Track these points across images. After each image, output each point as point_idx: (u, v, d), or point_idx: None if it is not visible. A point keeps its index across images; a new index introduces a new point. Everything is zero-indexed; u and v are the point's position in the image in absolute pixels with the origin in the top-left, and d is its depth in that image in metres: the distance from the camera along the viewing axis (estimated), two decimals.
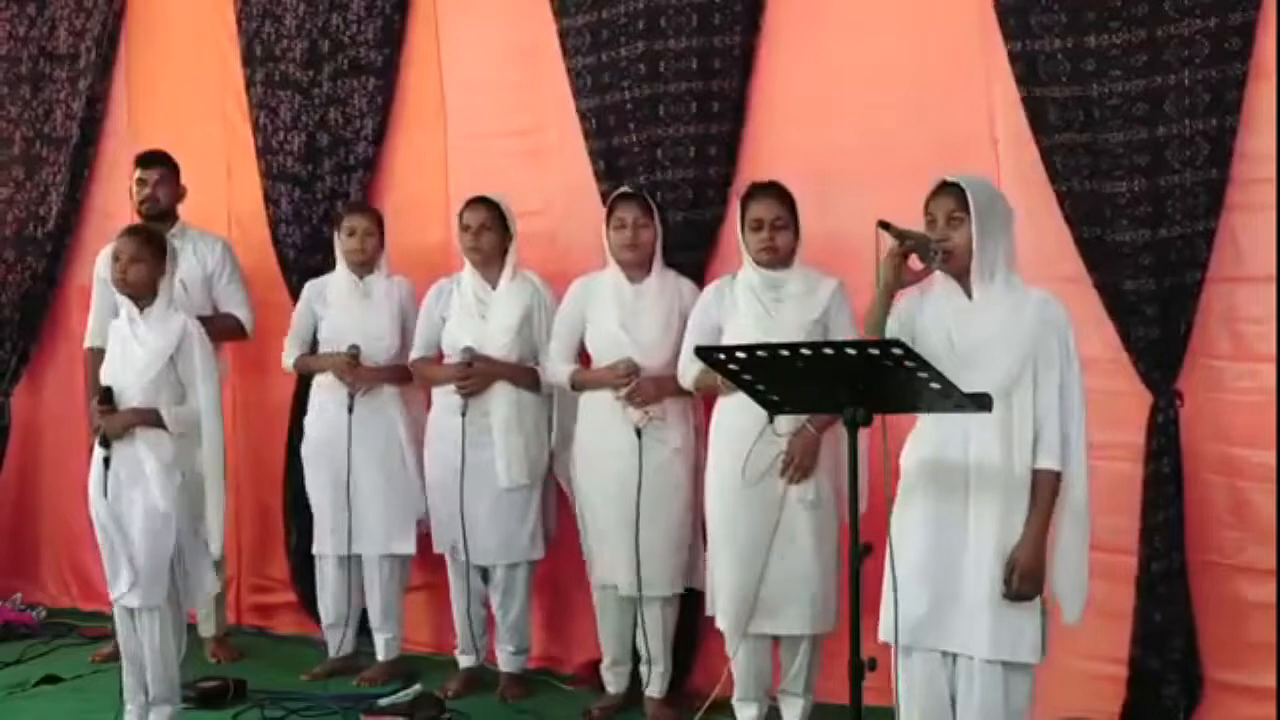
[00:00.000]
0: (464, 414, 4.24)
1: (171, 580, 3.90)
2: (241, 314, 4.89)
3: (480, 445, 4.27)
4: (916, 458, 3.07)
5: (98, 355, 4.76)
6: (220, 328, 4.65)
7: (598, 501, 4.10)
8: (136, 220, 4.73)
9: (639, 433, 3.98)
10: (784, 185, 3.80)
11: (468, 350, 4.27)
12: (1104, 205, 3.71)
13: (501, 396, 4.29)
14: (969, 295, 3.04)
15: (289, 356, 4.73)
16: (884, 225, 2.96)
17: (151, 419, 3.85)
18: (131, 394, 3.86)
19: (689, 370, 3.86)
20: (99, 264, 4.89)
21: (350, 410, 4.50)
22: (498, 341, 4.30)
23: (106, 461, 3.85)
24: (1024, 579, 2.94)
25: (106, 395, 3.87)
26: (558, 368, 4.19)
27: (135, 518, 3.84)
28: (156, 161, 4.89)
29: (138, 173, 4.87)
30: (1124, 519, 3.70)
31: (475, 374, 4.26)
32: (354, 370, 4.51)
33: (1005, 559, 2.94)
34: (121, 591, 3.86)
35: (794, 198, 3.79)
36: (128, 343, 3.92)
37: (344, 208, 4.87)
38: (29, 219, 5.67)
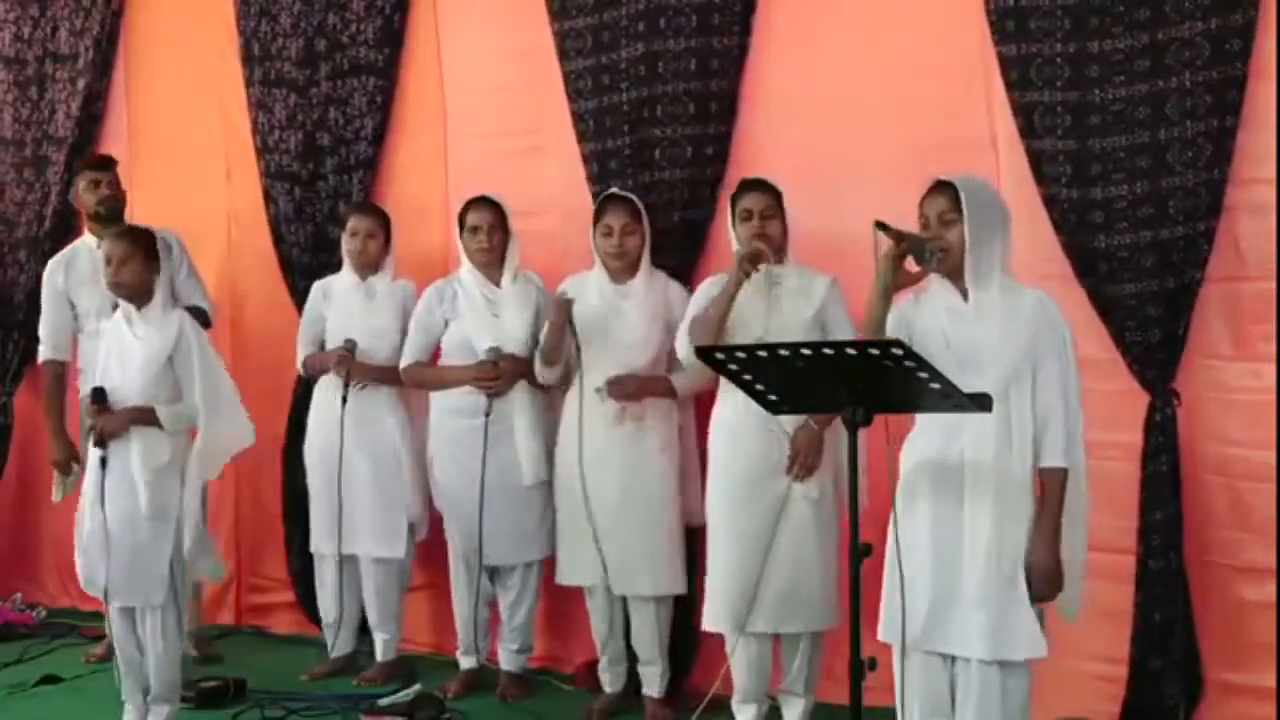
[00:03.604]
0: (488, 414, 4.22)
1: (171, 578, 3.90)
2: (205, 305, 4.81)
3: (497, 445, 4.26)
4: (915, 459, 3.07)
5: (55, 368, 4.78)
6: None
7: (577, 501, 4.09)
8: (93, 224, 4.79)
9: (619, 431, 3.99)
10: (770, 180, 3.82)
11: (494, 350, 4.24)
12: (1101, 209, 3.71)
13: (522, 396, 4.29)
14: (964, 296, 3.04)
15: (299, 357, 4.71)
16: (881, 226, 2.97)
17: (149, 417, 3.85)
18: (129, 393, 3.87)
19: (682, 342, 3.81)
20: (51, 272, 4.89)
21: (344, 402, 4.46)
22: (517, 339, 4.29)
23: (104, 462, 3.84)
24: (1043, 581, 2.95)
25: (99, 395, 3.86)
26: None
27: (130, 519, 3.84)
28: (109, 165, 4.91)
29: (90, 175, 4.86)
30: (1122, 518, 3.70)
31: (504, 373, 4.23)
32: (348, 363, 4.49)
33: (1001, 559, 2.94)
34: (119, 592, 3.86)
35: (780, 193, 3.80)
36: (124, 342, 3.91)
37: (349, 207, 4.86)
38: (34, 220, 5.69)
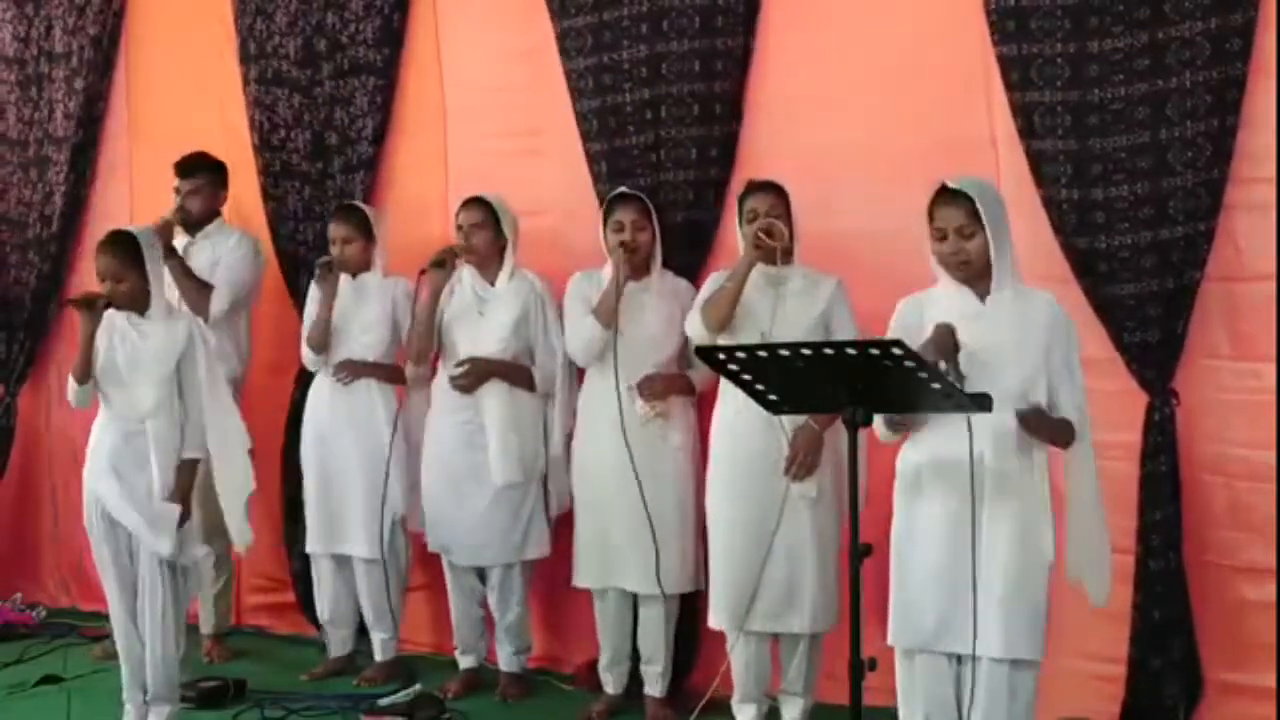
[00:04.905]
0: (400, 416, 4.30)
1: (173, 576, 3.90)
2: (216, 294, 4.77)
3: (474, 446, 4.28)
4: (921, 459, 3.07)
5: None
6: (191, 286, 4.70)
7: (598, 500, 4.10)
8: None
9: (644, 431, 3.98)
10: (779, 183, 3.82)
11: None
12: (1101, 209, 3.71)
13: (496, 396, 4.29)
14: (980, 299, 3.05)
15: (304, 345, 4.67)
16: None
17: (194, 466, 3.92)
18: (145, 393, 3.86)
19: (694, 321, 3.80)
20: None
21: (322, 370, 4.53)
22: (493, 338, 4.30)
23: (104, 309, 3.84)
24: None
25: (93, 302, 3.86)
26: (582, 321, 4.08)
27: (146, 493, 3.86)
28: (188, 170, 4.89)
29: (176, 181, 4.88)
30: (1122, 518, 3.69)
31: (471, 372, 4.27)
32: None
33: (1016, 559, 2.96)
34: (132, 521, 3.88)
35: (787, 194, 3.80)
36: (133, 340, 3.89)
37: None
38: (39, 220, 5.69)
